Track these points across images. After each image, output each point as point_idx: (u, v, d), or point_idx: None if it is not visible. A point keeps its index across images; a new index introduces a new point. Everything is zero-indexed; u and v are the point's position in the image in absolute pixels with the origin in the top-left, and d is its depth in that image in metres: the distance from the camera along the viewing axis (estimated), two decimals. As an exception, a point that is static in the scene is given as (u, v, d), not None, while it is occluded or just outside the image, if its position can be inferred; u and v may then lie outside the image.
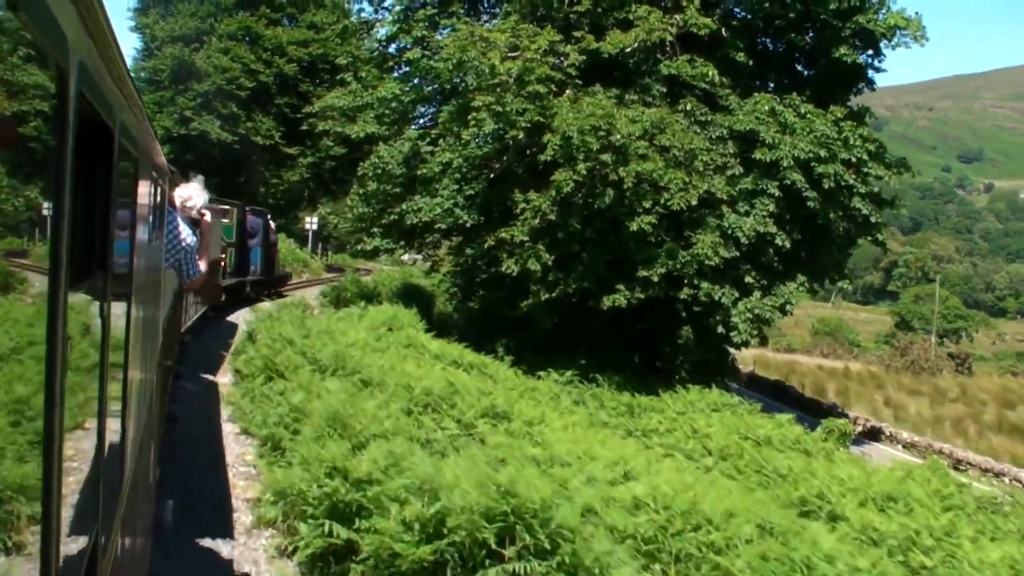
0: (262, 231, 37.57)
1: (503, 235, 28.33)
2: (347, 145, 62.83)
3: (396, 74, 36.34)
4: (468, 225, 31.17)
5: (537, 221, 27.49)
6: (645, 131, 26.77)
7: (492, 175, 30.23)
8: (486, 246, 28.80)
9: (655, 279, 26.76)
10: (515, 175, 29.58)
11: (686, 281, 27.45)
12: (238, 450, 13.01)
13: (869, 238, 31.66)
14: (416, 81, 34.86)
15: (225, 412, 15.41)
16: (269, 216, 39.58)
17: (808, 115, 29.33)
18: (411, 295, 41.75)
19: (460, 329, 32.61)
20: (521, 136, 27.68)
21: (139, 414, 5.54)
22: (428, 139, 33.57)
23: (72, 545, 2.78)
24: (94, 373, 3.36)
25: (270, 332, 20.39)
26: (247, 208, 37.23)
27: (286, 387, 14.64)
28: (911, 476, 18.93)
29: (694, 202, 26.41)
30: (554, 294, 27.69)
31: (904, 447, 34.88)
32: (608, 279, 27.74)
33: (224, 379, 18.71)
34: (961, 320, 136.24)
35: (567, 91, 27.94)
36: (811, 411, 38.74)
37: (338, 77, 46.67)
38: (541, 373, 27.33)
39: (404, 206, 32.26)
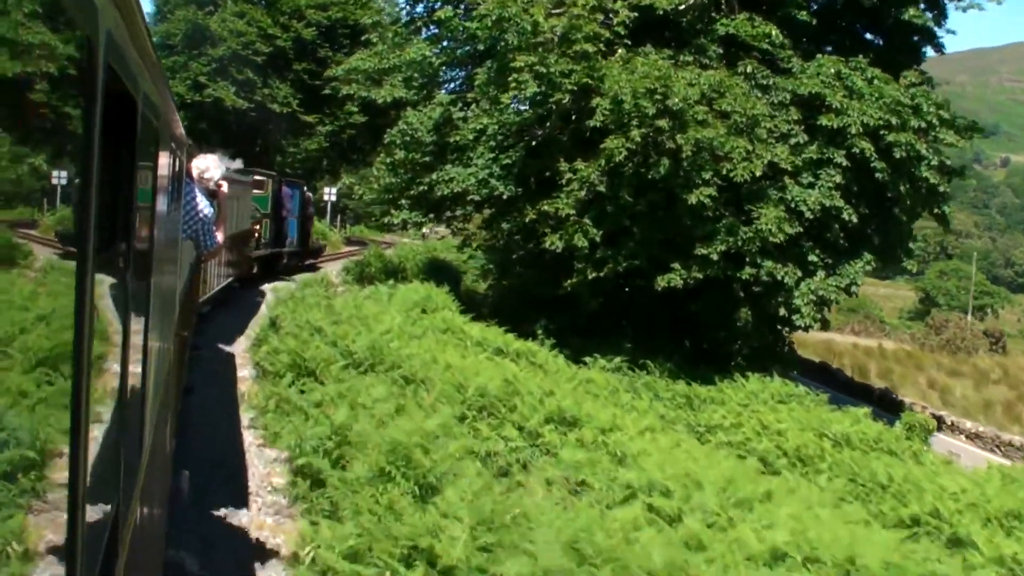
0: (298, 202, 36.97)
1: (545, 208, 26.01)
2: (368, 113, 60.54)
3: (424, 35, 33.97)
4: (504, 197, 28.84)
5: (584, 193, 25.18)
6: (703, 95, 24.40)
7: (532, 143, 27.82)
8: (527, 220, 26.43)
9: (714, 257, 24.43)
10: (558, 143, 27.25)
11: (747, 260, 25.10)
12: (262, 470, 10.73)
13: (936, 211, 29.25)
14: (446, 42, 32.47)
15: (245, 417, 13.14)
16: (305, 188, 38.29)
17: (876, 79, 26.87)
18: (438, 271, 39.65)
19: (493, 308, 30.27)
20: (567, 100, 25.35)
21: (157, 386, 5.52)
22: (461, 104, 31.21)
23: (95, 514, 2.78)
24: (114, 344, 3.35)
25: (295, 318, 18.12)
26: (283, 179, 36.42)
27: (322, 394, 12.31)
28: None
29: (758, 173, 24.08)
30: (602, 273, 25.39)
31: (968, 437, 32.59)
32: (661, 257, 25.42)
33: (243, 372, 16.44)
34: (988, 297, 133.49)
35: (618, 51, 25.48)
36: (864, 397, 36.46)
37: (363, 38, 44.32)
38: (587, 359, 25.08)
39: (434, 176, 29.90)
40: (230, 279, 25.50)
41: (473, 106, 30.93)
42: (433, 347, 18.02)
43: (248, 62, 56.15)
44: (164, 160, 5.44)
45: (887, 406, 34.66)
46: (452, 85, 33.88)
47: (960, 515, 14.12)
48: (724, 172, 23.99)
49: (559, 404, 13.52)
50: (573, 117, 26.45)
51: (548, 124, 26.83)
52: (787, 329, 28.56)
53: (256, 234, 30.50)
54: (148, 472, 4.80)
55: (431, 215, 32.29)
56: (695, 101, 24.05)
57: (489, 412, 13.24)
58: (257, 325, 20.39)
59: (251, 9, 57.83)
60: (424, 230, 68.60)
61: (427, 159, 30.83)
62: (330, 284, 31.04)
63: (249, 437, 12.32)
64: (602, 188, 24.71)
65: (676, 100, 23.57)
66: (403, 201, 31.43)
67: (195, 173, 8.82)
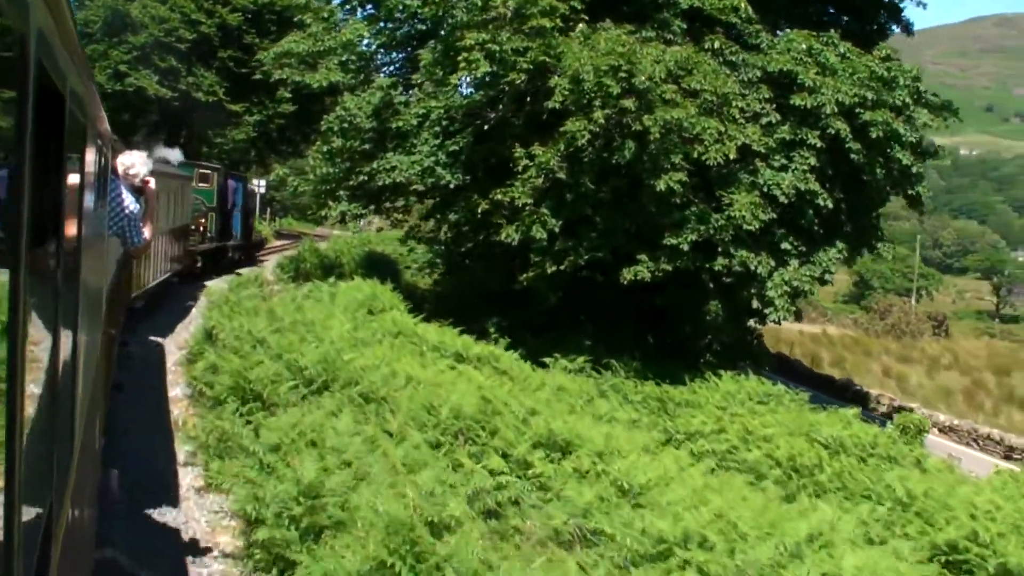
0: (242, 196, 36.69)
1: (498, 197, 23.95)
2: (299, 101, 58.02)
3: (360, 15, 31.80)
4: (451, 186, 26.80)
5: (541, 180, 23.18)
6: (670, 73, 22.50)
7: (483, 128, 25.78)
8: (478, 210, 24.35)
9: (684, 248, 22.58)
10: (511, 127, 25.25)
11: (720, 249, 23.28)
12: (205, 526, 8.56)
13: (910, 193, 27.65)
14: (384, 23, 30.31)
15: (181, 451, 10.97)
16: (247, 181, 37.88)
17: (848, 54, 25.20)
18: (378, 266, 37.54)
19: (439, 304, 28.17)
20: (521, 80, 23.30)
21: (86, 384, 5.40)
22: (402, 88, 29.09)
23: (29, 513, 2.79)
24: (46, 343, 3.39)
25: (233, 327, 15.90)
26: (228, 173, 36.25)
27: (279, 436, 10.01)
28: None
29: (732, 155, 22.26)
30: (562, 266, 23.41)
31: (942, 431, 31.12)
32: (626, 248, 23.52)
33: (175, 391, 14.21)
34: (923, 279, 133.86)
35: (579, 26, 23.48)
36: (827, 389, 34.98)
37: (296, 19, 41.98)
38: (547, 359, 23.12)
39: (375, 165, 27.76)
40: (168, 274, 24.92)
41: (415, 90, 28.85)
42: (388, 354, 15.94)
43: (171, 49, 53.36)
44: (90, 157, 5.38)
45: (853, 399, 33.14)
46: (391, 68, 31.67)
47: (1003, 539, 12.39)
48: (695, 155, 22.15)
49: (547, 425, 11.52)
50: (528, 99, 24.45)
51: (500, 107, 24.77)
52: (756, 322, 26.83)
53: (202, 228, 30.24)
54: (79, 470, 4.78)
55: (371, 206, 30.08)
56: (661, 79, 22.15)
57: (467, 438, 11.20)
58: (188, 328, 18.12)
59: (174, -7, 55.00)
60: (362, 222, 66.42)
61: (366, 147, 28.67)
62: (265, 283, 28.77)
63: (187, 477, 10.16)
64: (562, 175, 22.74)
65: (642, 78, 21.65)
66: (341, 192, 29.20)
67: (120, 169, 8.77)
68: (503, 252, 26.07)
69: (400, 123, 27.25)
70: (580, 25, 23.37)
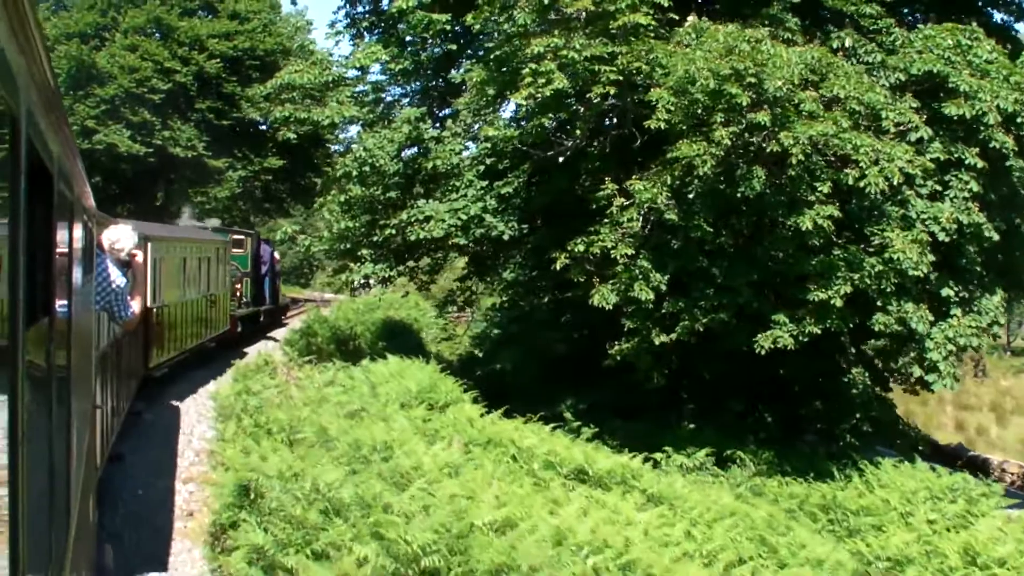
0: (270, 260, 35.72)
1: (578, 249, 18.63)
2: (286, 154, 52.79)
3: (371, 39, 26.60)
4: (504, 237, 21.48)
5: (640, 225, 17.88)
6: (803, 79, 17.33)
7: (550, 162, 20.54)
8: (557, 266, 18.95)
9: (836, 303, 17.22)
10: (587, 159, 20.00)
11: (878, 303, 17.97)
12: None
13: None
14: (405, 46, 25.10)
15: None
16: (273, 245, 37.27)
17: (996, 53, 20.11)
18: (398, 336, 32.23)
19: (492, 383, 22.61)
20: (610, 94, 18.05)
21: (79, 458, 5.52)
22: (433, 120, 23.89)
23: None
24: (41, 418, 3.40)
25: (282, 474, 10.33)
26: (260, 238, 35.89)
27: None
28: None
29: (897, 180, 16.99)
30: (673, 335, 18.01)
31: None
32: (754, 307, 18.16)
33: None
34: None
35: (691, 19, 18.25)
36: (938, 457, 29.54)
37: (281, 64, 36.96)
38: (658, 456, 17.76)
39: (404, 215, 22.45)
40: (202, 341, 23.89)
41: (450, 121, 23.62)
42: (499, 485, 10.56)
43: (144, 101, 48.03)
44: (78, 232, 5.53)
45: (969, 466, 27.72)
46: (412, 99, 26.34)
47: None
48: (848, 183, 16.92)
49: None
50: (615, 120, 19.18)
51: (574, 134, 19.46)
52: (907, 390, 21.45)
53: (238, 293, 29.85)
54: (75, 544, 4.79)
55: (400, 267, 24.64)
56: (794, 85, 16.99)
57: None
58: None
59: (144, 41, 49.57)
60: (355, 282, 60.82)
61: (392, 195, 23.35)
62: (275, 368, 23.28)
63: None
64: (671, 215, 17.37)
65: (777, 83, 16.45)
66: (364, 251, 23.78)
67: (106, 244, 8.72)
68: (580, 318, 20.78)
69: (436, 162, 22.01)
70: (691, 18, 18.11)
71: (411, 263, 24.96)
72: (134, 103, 47.82)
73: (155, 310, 18.53)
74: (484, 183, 21.94)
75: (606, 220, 18.46)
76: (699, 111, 17.20)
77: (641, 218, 17.90)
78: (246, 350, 27.73)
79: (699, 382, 20.77)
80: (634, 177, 17.80)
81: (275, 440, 12.63)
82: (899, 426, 21.69)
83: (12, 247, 2.46)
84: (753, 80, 16.48)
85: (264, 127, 54.86)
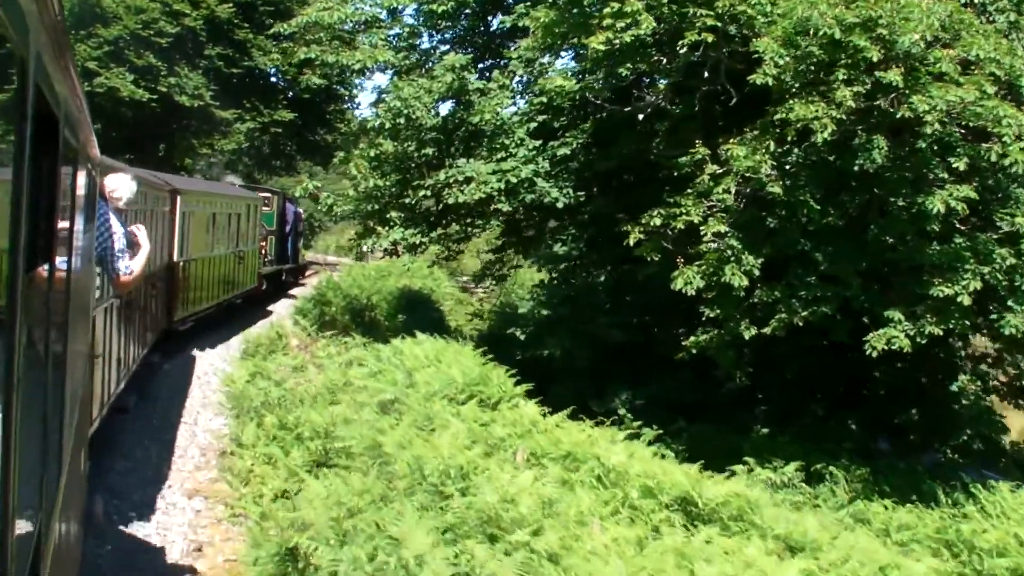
0: (294, 219, 36.25)
1: (655, 223, 15.97)
2: (297, 107, 50.03)
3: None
4: (558, 205, 18.84)
5: (733, 198, 15.22)
6: (935, 37, 14.63)
7: (630, 118, 17.87)
8: (631, 241, 16.24)
9: (963, 301, 14.55)
10: (665, 119, 17.30)
11: (1009, 301, 15.33)
12: None
13: None
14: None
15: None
16: (296, 204, 37.67)
17: None
18: (418, 308, 29.59)
19: (535, 369, 19.89)
20: (706, 42, 15.34)
21: (72, 403, 5.46)
22: (479, 70, 21.26)
23: (22, 530, 2.84)
24: (39, 365, 3.45)
25: (313, 499, 7.72)
26: (285, 196, 36.23)
27: None
28: None
29: (1047, 156, 14.29)
30: (768, 329, 15.35)
31: None
32: (862, 300, 15.50)
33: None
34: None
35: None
36: None
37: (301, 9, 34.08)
38: (736, 468, 15.18)
39: (441, 175, 19.79)
40: (229, 297, 24.01)
41: (497, 72, 20.90)
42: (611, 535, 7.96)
43: (150, 45, 44.95)
44: (82, 180, 5.46)
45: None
46: (445, 50, 23.52)
47: None
48: (989, 159, 14.24)
49: None
50: (705, 74, 16.45)
51: (665, 84, 16.76)
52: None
53: (263, 251, 29.46)
54: (65, 493, 4.78)
55: (432, 233, 21.92)
56: (927, 43, 14.30)
57: None
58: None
59: (152, -20, 46.57)
60: (364, 247, 58.06)
61: (428, 152, 20.64)
62: (288, 342, 20.65)
63: None
64: (775, 188, 14.67)
65: (913, 38, 13.75)
66: (393, 214, 21.09)
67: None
68: (641, 301, 18.16)
69: (481, 116, 19.33)
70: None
71: (443, 229, 22.29)
72: (139, 46, 44.77)
73: (181, 264, 18.87)
74: (537, 143, 19.25)
75: (689, 190, 15.79)
76: (814, 68, 14.50)
77: (732, 192, 15.21)
78: (269, 308, 28.29)
79: (777, 380, 18.12)
80: (731, 141, 15.06)
81: (307, 449, 10.00)
82: (1004, 443, 19.02)
83: (15, 193, 2.47)
84: (884, 32, 13.77)
85: (276, 79, 52.11)
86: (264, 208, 30.75)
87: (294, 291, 33.50)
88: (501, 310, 33.01)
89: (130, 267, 8.27)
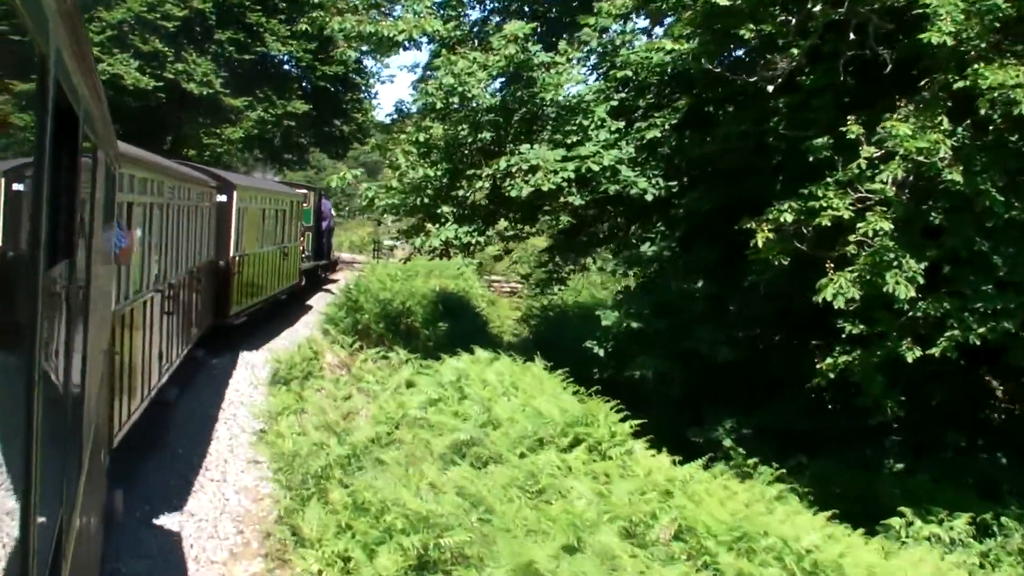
0: (328, 215, 36.09)
1: (785, 218, 12.98)
2: (311, 98, 47.15)
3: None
4: (648, 198, 15.87)
5: (889, 187, 12.24)
6: None
7: (750, 90, 14.88)
8: (758, 241, 13.21)
9: None
10: (794, 92, 14.29)
11: None
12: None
13: None
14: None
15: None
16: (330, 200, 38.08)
17: None
18: (457, 313, 26.68)
19: (614, 390, 16.86)
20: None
21: (91, 404, 5.33)
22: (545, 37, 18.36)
23: (44, 526, 2.89)
24: (59, 361, 3.39)
25: None
26: (321, 192, 36.48)
27: None
28: None
29: None
30: (937, 350, 12.34)
31: None
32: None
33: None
34: None
35: None
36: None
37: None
38: (895, 522, 12.28)
39: (502, 163, 16.86)
40: (276, 292, 24.35)
41: (564, 44, 17.97)
42: None
43: (156, 29, 41.88)
44: (100, 175, 5.43)
45: None
46: (499, 21, 20.54)
47: None
48: None
49: None
50: (850, 37, 13.42)
51: (796, 49, 13.69)
52: None
53: (301, 247, 29.15)
54: (87, 484, 4.80)
55: (489, 231, 18.95)
56: None
57: None
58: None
59: (159, -39, 43.43)
60: (389, 243, 55.08)
61: (486, 136, 17.73)
62: (323, 361, 17.68)
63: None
64: (954, 175, 11.65)
65: None
66: (444, 208, 18.12)
67: None
68: (752, 312, 15.20)
69: (551, 94, 16.45)
70: None
71: (502, 226, 19.38)
72: (144, 30, 41.70)
73: (236, 259, 19.15)
74: (620, 124, 16.29)
75: (830, 178, 12.81)
76: (997, 24, 11.52)
77: (889, 180, 12.23)
78: (308, 303, 29.10)
79: (916, 407, 15.10)
80: (894, 117, 12.03)
81: (400, 548, 7.05)
82: None
83: (35, 189, 2.46)
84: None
85: (290, 67, 49.10)
86: (303, 204, 30.64)
87: (329, 286, 34.03)
88: (543, 314, 30.11)
89: (124, 241, 8.55)
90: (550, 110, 18.21)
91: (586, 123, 16.29)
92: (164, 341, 12.63)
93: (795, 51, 13.05)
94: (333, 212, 39.97)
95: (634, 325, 15.62)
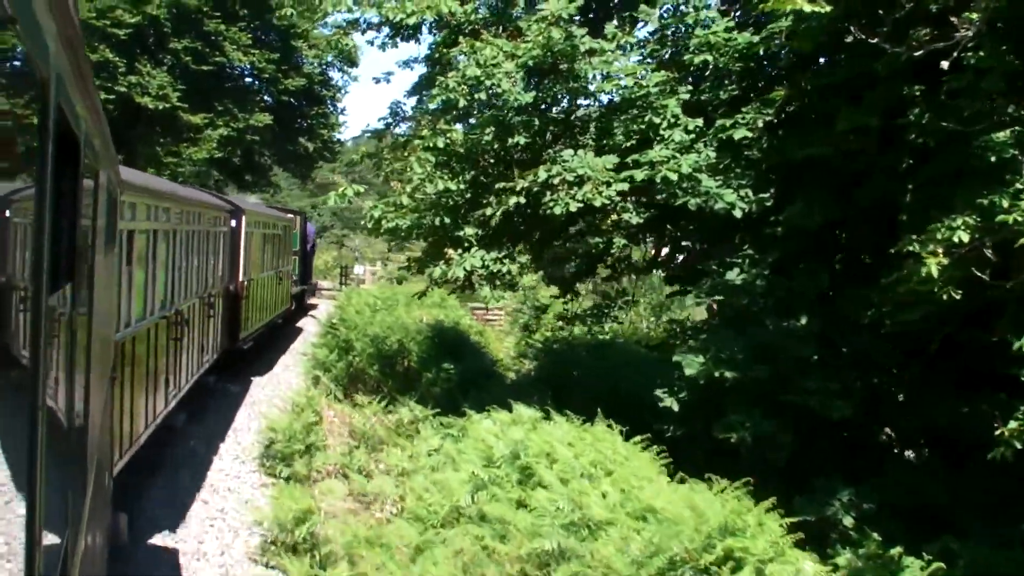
0: (312, 240, 36.11)
1: (957, 237, 9.66)
2: (275, 111, 43.71)
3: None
4: (736, 213, 12.58)
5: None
6: None
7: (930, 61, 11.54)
8: (932, 268, 9.79)
9: None
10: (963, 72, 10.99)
11: None
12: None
13: None
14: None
15: None
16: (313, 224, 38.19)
17: None
18: (457, 350, 23.30)
19: (690, 451, 13.35)
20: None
21: (94, 429, 5.37)
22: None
23: (50, 545, 2.91)
24: (63, 389, 3.42)
25: None
26: (304, 215, 36.26)
27: None
28: None
29: None
30: None
31: None
32: None
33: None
34: None
35: None
36: None
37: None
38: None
39: (541, 173, 13.51)
40: (274, 316, 24.65)
41: (612, 25, 14.74)
42: None
43: (106, 37, 38.26)
44: (103, 199, 5.46)
45: None
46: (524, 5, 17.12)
47: None
48: None
49: None
50: None
51: (969, 19, 10.38)
52: None
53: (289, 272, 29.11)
54: (91, 507, 4.79)
55: (522, 257, 15.53)
56: None
57: None
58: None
59: (107, -34, 39.66)
60: (359, 269, 51.47)
61: (519, 140, 14.43)
62: (325, 427, 14.17)
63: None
64: None
65: None
66: (468, 230, 14.70)
67: None
68: (867, 355, 11.92)
69: (608, 85, 13.27)
70: None
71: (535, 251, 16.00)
72: (93, 38, 37.92)
73: (245, 283, 19.50)
74: (697, 122, 12.99)
75: (1019, 183, 9.55)
76: None
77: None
78: (298, 325, 30.09)
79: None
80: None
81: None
82: None
83: (38, 213, 2.44)
84: None
85: (251, 79, 45.55)
86: (292, 229, 30.73)
87: (310, 312, 34.21)
88: (547, 348, 26.71)
89: None
90: (592, 109, 15.01)
91: (657, 120, 12.95)
92: (170, 367, 12.88)
93: (974, 16, 9.75)
94: (314, 236, 39.36)
95: (728, 374, 12.20)
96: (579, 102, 14.94)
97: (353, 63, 47.34)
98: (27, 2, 2.15)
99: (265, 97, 45.62)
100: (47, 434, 2.64)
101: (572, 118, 15.05)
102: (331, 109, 49.03)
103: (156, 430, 12.26)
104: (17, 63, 2.23)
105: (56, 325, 3.01)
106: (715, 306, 14.47)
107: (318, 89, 46.97)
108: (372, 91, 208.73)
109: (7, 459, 2.27)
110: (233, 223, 19.16)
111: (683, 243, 15.93)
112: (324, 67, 46.64)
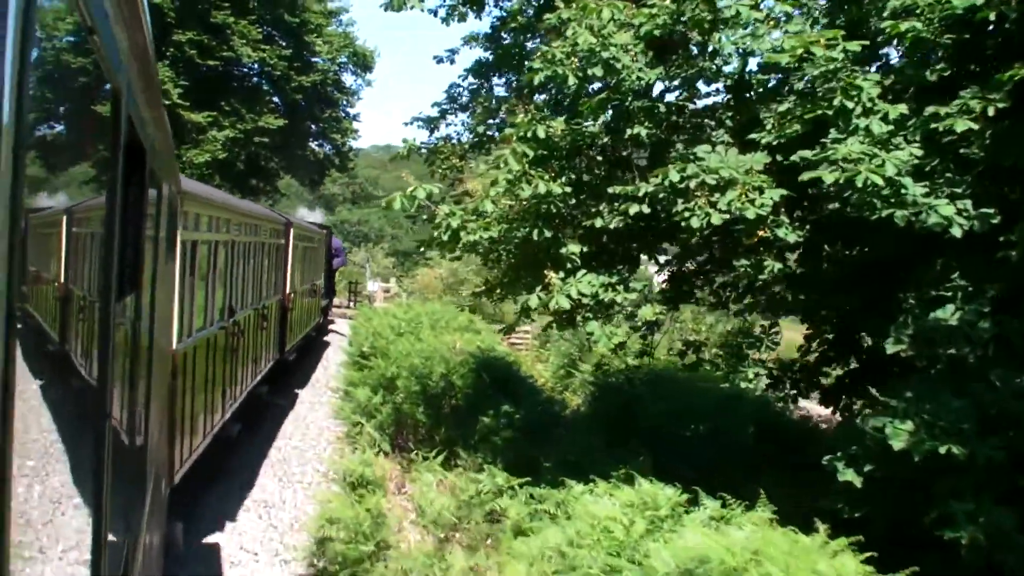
0: (340, 254, 36.05)
1: None
2: (286, 111, 40.52)
3: None
4: (955, 233, 9.25)
5: None
6: None
7: None
8: None
9: None
10: None
11: None
12: None
13: None
14: None
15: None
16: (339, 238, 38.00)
17: None
18: (505, 383, 19.99)
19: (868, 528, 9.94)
20: None
21: (153, 438, 5.29)
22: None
23: (113, 552, 2.96)
24: (126, 395, 3.37)
25: None
26: (330, 230, 35.76)
27: None
28: None
29: None
30: None
31: None
32: None
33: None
34: None
35: None
36: None
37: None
38: None
39: (672, 174, 10.21)
40: (310, 327, 25.24)
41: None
42: None
43: (102, 26, 34.69)
44: (165, 209, 5.52)
45: None
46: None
47: None
48: None
49: None
50: None
51: None
52: None
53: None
54: (149, 514, 4.78)
55: (638, 284, 12.21)
56: None
57: None
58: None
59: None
60: (373, 286, 48.34)
61: (640, 134, 11.17)
62: (386, 511, 10.84)
63: None
64: None
65: None
66: (570, 247, 11.37)
67: None
68: None
69: (783, 58, 10.04)
70: None
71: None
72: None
73: (292, 295, 20.21)
74: (901, 109, 9.70)
75: None
76: None
77: None
78: (325, 339, 30.01)
79: None
80: None
81: None
82: None
83: (107, 223, 2.44)
84: None
85: (260, 76, 42.22)
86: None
87: (334, 326, 34.13)
88: (601, 381, 23.47)
89: None
90: (727, 95, 11.83)
91: (850, 105, 9.64)
92: (227, 378, 12.95)
93: None
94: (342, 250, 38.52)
95: (956, 451, 8.86)
96: (712, 87, 11.72)
97: (367, 67, 44.22)
98: (104, 14, 2.16)
99: (275, 98, 42.38)
100: (110, 444, 2.60)
101: (703, 107, 11.81)
102: (344, 114, 45.75)
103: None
104: (92, 74, 2.17)
105: (120, 335, 2.88)
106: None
107: (331, 90, 43.73)
108: (390, 100, 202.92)
109: (74, 467, 2.23)
110: (284, 236, 19.68)
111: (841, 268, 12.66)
112: (338, 68, 43.38)
